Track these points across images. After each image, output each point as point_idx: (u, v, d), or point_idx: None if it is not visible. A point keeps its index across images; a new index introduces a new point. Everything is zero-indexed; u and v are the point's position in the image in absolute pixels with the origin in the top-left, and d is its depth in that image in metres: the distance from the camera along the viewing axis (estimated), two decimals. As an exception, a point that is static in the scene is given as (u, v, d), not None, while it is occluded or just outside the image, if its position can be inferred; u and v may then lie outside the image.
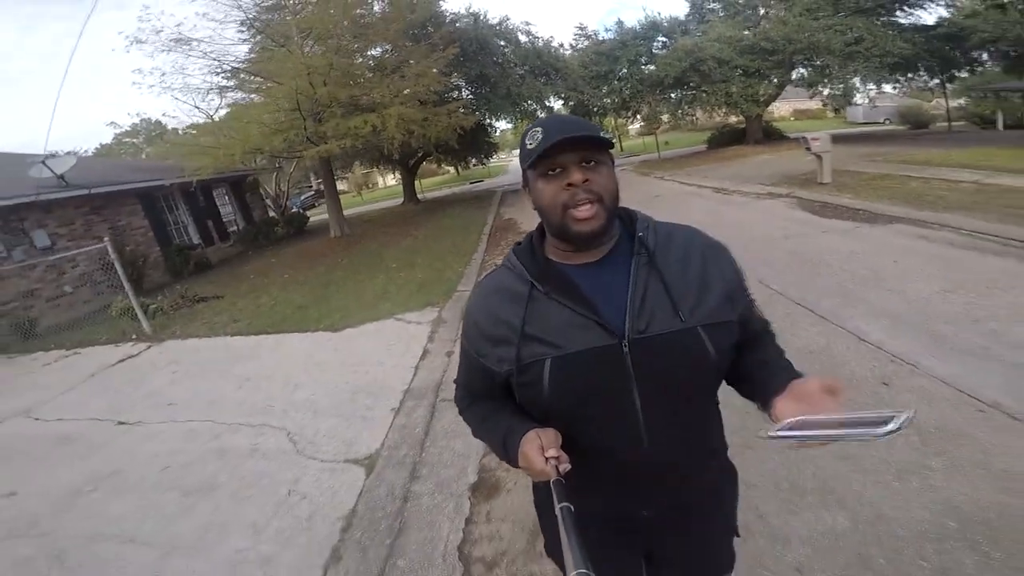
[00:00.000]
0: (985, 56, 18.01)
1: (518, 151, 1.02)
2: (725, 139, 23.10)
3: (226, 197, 16.32)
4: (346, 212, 16.42)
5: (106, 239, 7.02)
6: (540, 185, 0.94)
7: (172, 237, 12.94)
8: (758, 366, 1.01)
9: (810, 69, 18.77)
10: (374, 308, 6.53)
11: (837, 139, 19.57)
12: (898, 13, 18.24)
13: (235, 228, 16.34)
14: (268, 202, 20.44)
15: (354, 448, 3.38)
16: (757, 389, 0.96)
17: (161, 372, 5.53)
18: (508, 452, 0.96)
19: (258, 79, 11.84)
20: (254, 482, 3.19)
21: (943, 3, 17.79)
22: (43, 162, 9.78)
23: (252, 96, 13.48)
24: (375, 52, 14.43)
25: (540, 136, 0.92)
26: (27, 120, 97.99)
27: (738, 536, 1.23)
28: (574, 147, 0.91)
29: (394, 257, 9.93)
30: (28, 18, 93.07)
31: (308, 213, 23.06)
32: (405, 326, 5.72)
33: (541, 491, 1.18)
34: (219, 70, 12.72)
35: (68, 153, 14.89)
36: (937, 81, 20.18)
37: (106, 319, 8.31)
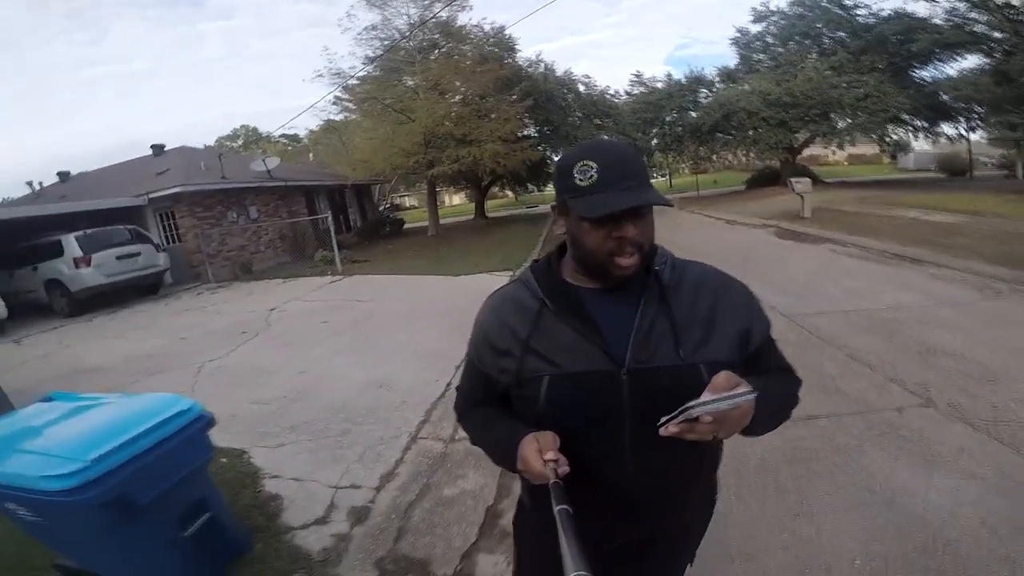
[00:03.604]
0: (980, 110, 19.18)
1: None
2: (763, 180, 24.87)
3: (352, 199, 20.68)
4: (426, 223, 20.45)
5: (329, 213, 11.11)
6: (586, 227, 0.90)
7: (318, 223, 17.20)
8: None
9: (824, 123, 20.78)
10: (473, 269, 10.02)
11: (862, 184, 21.68)
12: (913, 71, 20.11)
13: (355, 223, 20.63)
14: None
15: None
16: None
17: (364, 285, 9.39)
18: (506, 456, 0.94)
19: (391, 109, 16.06)
20: (437, 318, 6.63)
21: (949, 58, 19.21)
22: (263, 160, 14.27)
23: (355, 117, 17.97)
24: (473, 96, 18.17)
25: (595, 176, 0.88)
26: (141, 114, 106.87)
27: (691, 564, 1.20)
28: None
29: (479, 248, 13.43)
30: (153, 20, 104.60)
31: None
32: (493, 276, 9.21)
33: (527, 505, 1.15)
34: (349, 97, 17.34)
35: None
36: (962, 131, 21.71)
37: (296, 266, 12.42)
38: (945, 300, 5.37)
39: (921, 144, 27.01)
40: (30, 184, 19.52)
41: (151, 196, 12.29)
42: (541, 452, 0.86)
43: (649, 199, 0.88)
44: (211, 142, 43.43)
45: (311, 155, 34.23)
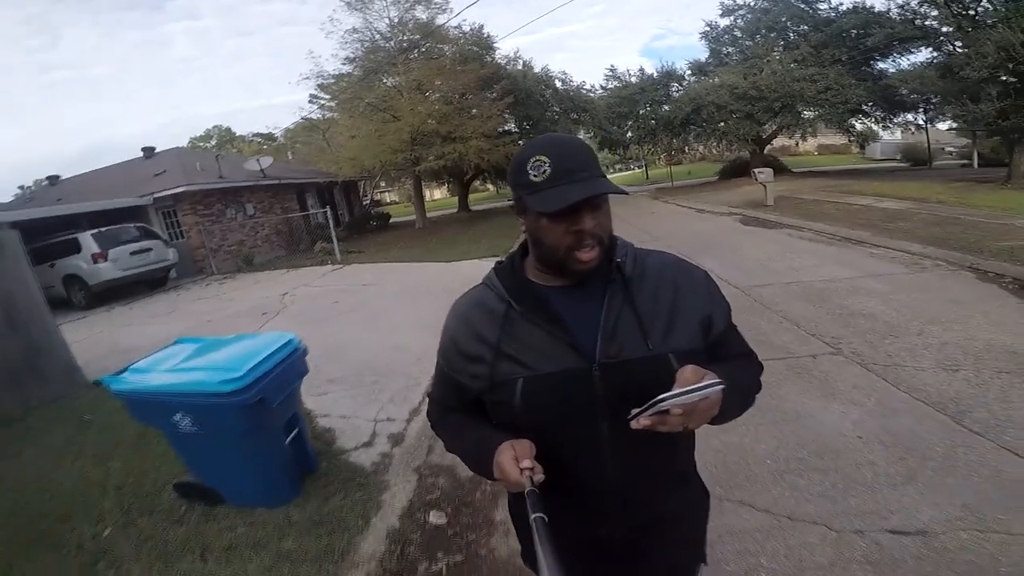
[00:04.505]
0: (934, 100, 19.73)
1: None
2: (734, 171, 25.86)
3: (340, 195, 21.25)
4: (411, 218, 21.04)
5: (327, 208, 11.79)
6: (544, 223, 0.90)
7: (310, 219, 17.73)
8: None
9: (787, 115, 21.78)
10: (462, 256, 10.79)
11: (827, 173, 22.70)
12: (874, 63, 21.05)
13: (343, 217, 21.21)
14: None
15: (473, 294, 7.58)
16: None
17: (364, 272, 10.10)
18: (482, 464, 0.93)
19: (376, 109, 16.64)
20: (435, 297, 7.34)
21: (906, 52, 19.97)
22: (257, 159, 14.79)
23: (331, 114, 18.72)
24: (454, 94, 18.88)
25: (548, 171, 0.87)
26: (105, 119, 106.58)
27: (705, 564, 1.18)
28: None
29: (465, 238, 14.19)
30: (109, 25, 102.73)
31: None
32: (482, 262, 9.92)
33: (516, 502, 1.11)
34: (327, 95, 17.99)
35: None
36: (920, 121, 22.76)
37: (293, 257, 13.09)
38: (875, 274, 6.17)
39: (890, 134, 28.15)
40: (22, 188, 19.89)
41: (155, 196, 12.84)
42: (517, 460, 0.85)
43: (603, 188, 0.87)
44: (184, 143, 43.17)
45: (290, 154, 34.37)
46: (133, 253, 10.66)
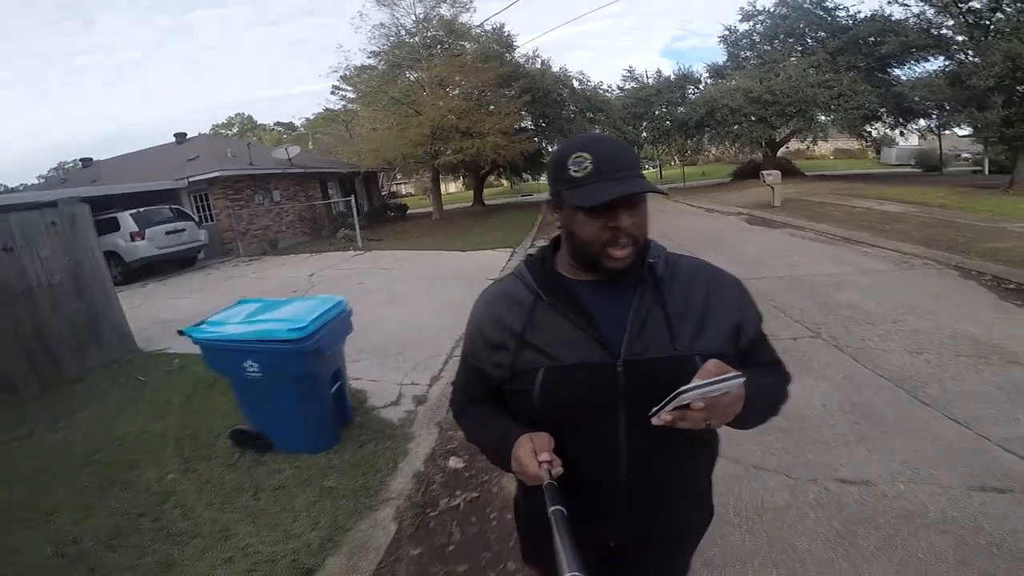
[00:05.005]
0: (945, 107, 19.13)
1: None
2: (747, 173, 25.74)
3: (361, 186, 21.80)
4: (427, 210, 21.57)
5: (352, 196, 12.30)
6: (581, 218, 0.89)
7: (332, 207, 18.28)
8: None
9: (800, 119, 21.86)
10: (477, 246, 11.19)
11: (839, 177, 22.74)
12: (888, 70, 21.06)
13: (363, 207, 21.71)
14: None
15: (489, 276, 7.88)
16: None
17: (384, 257, 10.57)
18: (502, 455, 0.93)
19: (400, 103, 17.13)
20: (453, 281, 7.80)
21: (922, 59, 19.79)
22: (285, 149, 15.34)
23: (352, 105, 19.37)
24: (472, 90, 19.33)
25: (589, 167, 0.87)
26: (129, 104, 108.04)
27: None
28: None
29: (480, 230, 14.60)
30: (142, 10, 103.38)
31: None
32: (496, 252, 10.37)
33: (522, 503, 1.13)
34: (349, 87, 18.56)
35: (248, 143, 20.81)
36: (933, 127, 22.55)
37: (316, 243, 13.65)
38: (865, 270, 6.48)
39: (905, 139, 27.95)
40: (57, 169, 20.71)
41: (190, 180, 13.44)
42: (536, 453, 0.85)
43: (643, 187, 0.88)
44: (206, 129, 44.05)
45: (311, 143, 34.96)
46: (168, 233, 11.27)
